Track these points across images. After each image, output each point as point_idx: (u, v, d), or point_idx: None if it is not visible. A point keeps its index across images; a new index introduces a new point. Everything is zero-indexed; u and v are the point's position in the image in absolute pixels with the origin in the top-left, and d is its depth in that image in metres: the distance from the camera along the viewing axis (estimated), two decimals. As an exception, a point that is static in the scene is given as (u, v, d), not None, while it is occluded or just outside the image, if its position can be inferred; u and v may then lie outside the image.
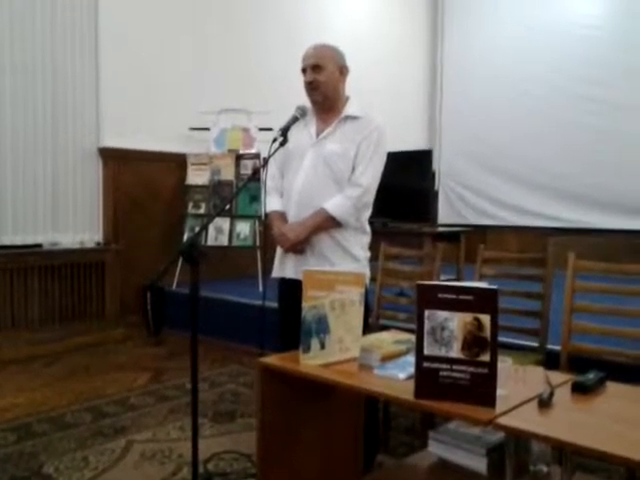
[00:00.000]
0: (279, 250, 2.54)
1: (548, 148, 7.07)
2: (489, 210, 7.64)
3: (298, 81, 2.53)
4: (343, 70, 2.51)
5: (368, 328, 2.29)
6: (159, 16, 5.38)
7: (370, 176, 2.42)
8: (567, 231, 6.76)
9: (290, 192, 2.49)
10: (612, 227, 6.58)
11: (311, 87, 2.44)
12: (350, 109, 2.48)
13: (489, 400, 1.44)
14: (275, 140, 2.39)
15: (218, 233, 5.30)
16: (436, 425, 2.17)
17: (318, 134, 2.48)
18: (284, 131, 2.40)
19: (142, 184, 5.29)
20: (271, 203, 2.56)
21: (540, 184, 7.16)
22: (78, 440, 2.86)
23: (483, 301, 1.46)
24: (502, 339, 1.49)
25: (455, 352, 1.48)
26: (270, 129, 4.80)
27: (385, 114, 2.56)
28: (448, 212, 7.98)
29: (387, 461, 2.57)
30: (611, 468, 2.46)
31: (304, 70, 2.47)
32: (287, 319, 2.46)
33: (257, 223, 5.25)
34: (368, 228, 2.55)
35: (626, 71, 6.52)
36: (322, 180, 2.42)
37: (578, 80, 6.83)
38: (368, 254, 2.54)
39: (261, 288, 4.91)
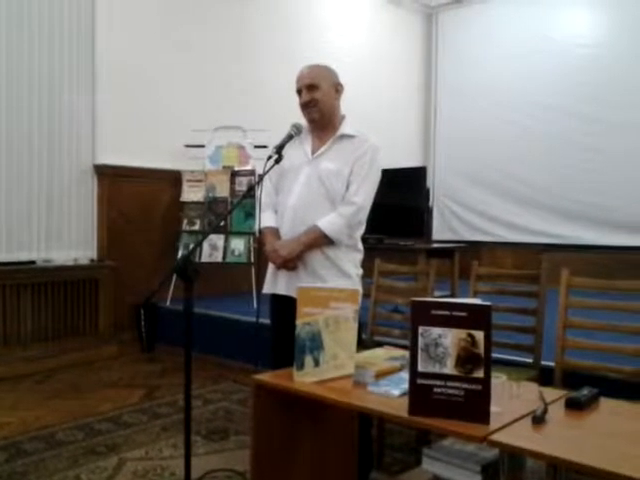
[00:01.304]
0: (271, 266, 2.54)
1: (541, 165, 7.13)
2: (483, 227, 7.68)
3: (293, 99, 2.56)
4: (338, 88, 2.53)
5: (361, 344, 2.29)
6: (155, 34, 5.43)
7: (364, 194, 2.43)
8: (561, 247, 6.80)
9: (284, 209, 2.49)
10: (606, 243, 6.61)
11: (309, 105, 2.46)
12: (346, 128, 2.50)
13: (483, 417, 1.44)
14: (270, 157, 2.40)
15: (213, 249, 5.30)
16: (431, 442, 2.16)
17: (313, 152, 2.50)
18: (279, 148, 2.41)
19: (137, 201, 5.30)
20: (265, 219, 2.57)
21: (534, 201, 7.21)
22: (70, 458, 2.83)
23: (477, 317, 1.47)
24: (496, 355, 1.50)
25: (449, 368, 1.48)
26: (265, 146, 4.83)
27: (379, 132, 2.59)
28: (442, 228, 8.01)
29: (381, 478, 2.55)
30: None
31: (299, 91, 2.50)
32: (279, 335, 2.46)
33: (252, 240, 5.26)
34: (361, 246, 2.56)
35: (620, 89, 6.60)
36: (316, 198, 2.43)
37: (572, 98, 6.91)
38: (360, 271, 2.55)
39: (255, 305, 4.90)
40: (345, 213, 2.41)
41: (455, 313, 1.49)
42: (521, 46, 7.36)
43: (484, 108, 7.63)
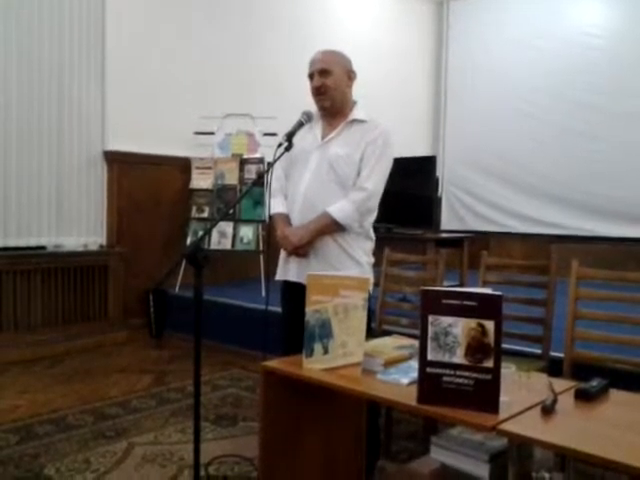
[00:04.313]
0: (282, 253, 2.54)
1: (551, 156, 7.08)
2: (492, 217, 7.65)
3: (303, 86, 2.54)
4: (350, 75, 2.51)
5: (370, 333, 2.29)
6: (165, 21, 5.41)
7: (375, 180, 2.42)
8: (570, 239, 6.76)
9: (294, 195, 2.49)
10: (616, 235, 6.57)
11: (319, 92, 2.45)
12: (357, 113, 2.48)
13: (492, 406, 1.44)
14: (280, 145, 2.39)
15: (221, 237, 5.31)
16: (439, 431, 2.17)
17: (323, 137, 2.49)
18: (289, 136, 2.40)
19: (146, 187, 5.31)
20: (275, 205, 2.56)
21: (543, 191, 7.17)
22: (80, 442, 2.86)
23: (487, 307, 1.47)
24: (505, 346, 1.49)
25: (458, 358, 1.48)
26: (275, 134, 4.82)
27: (389, 120, 2.57)
28: (451, 218, 7.98)
29: (388, 466, 2.56)
30: (612, 476, 2.45)
31: (311, 76, 2.48)
32: (290, 322, 2.46)
33: (260, 228, 5.26)
34: (372, 234, 2.55)
35: (631, 80, 6.53)
36: (326, 183, 2.42)
37: (582, 88, 6.84)
38: (372, 259, 2.54)
39: (264, 292, 4.92)
40: (356, 199, 2.39)
41: (466, 302, 1.48)
42: (533, 35, 7.29)
43: (494, 97, 7.57)
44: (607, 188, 6.67)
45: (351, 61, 2.53)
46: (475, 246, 4.87)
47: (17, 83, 4.53)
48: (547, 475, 1.72)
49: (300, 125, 2.47)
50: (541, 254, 6.12)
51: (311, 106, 2.54)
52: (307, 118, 2.49)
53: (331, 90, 2.44)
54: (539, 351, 2.68)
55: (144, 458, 2.70)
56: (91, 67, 4.96)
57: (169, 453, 2.76)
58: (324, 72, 2.44)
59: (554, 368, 2.50)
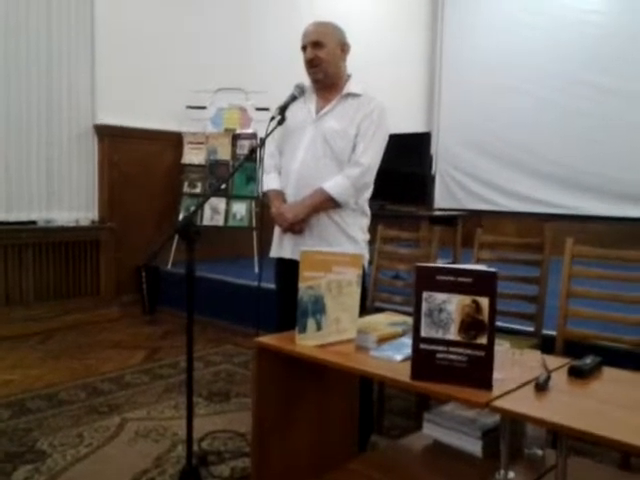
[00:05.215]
0: (277, 230, 2.52)
1: (546, 134, 7.05)
2: (485, 195, 7.63)
3: (296, 60, 2.50)
4: (344, 47, 2.47)
5: (365, 310, 2.28)
6: (157, -8, 5.30)
7: (371, 155, 2.39)
8: (564, 217, 6.77)
9: (288, 171, 2.46)
10: (610, 214, 6.58)
11: (312, 64, 2.41)
12: (351, 87, 2.44)
13: (486, 383, 1.44)
14: (273, 118, 2.36)
15: (214, 213, 5.28)
16: (431, 407, 2.18)
17: (318, 111, 2.45)
18: (282, 109, 2.37)
19: (138, 162, 5.25)
20: (269, 182, 2.53)
21: (537, 170, 7.15)
22: (72, 417, 2.86)
23: (482, 284, 1.46)
24: (497, 323, 1.48)
25: (452, 334, 1.48)
26: (267, 109, 4.76)
27: (383, 95, 2.53)
28: (444, 196, 7.97)
29: (381, 442, 2.58)
30: (603, 452, 2.48)
31: (304, 47, 2.43)
32: (284, 299, 2.45)
33: (253, 204, 5.23)
34: (368, 210, 2.53)
35: (627, 58, 6.48)
36: (321, 159, 2.39)
37: (578, 66, 6.79)
38: (367, 236, 2.52)
39: (257, 269, 4.91)
40: (351, 175, 2.36)
41: (460, 279, 1.47)
42: (529, 12, 7.21)
43: (489, 74, 7.50)
44: (603, 167, 6.65)
45: (345, 33, 2.48)
46: (469, 224, 4.86)
47: (4, 56, 4.44)
48: (539, 452, 1.74)
49: (293, 98, 2.43)
50: (534, 233, 6.08)
51: (305, 78, 2.49)
52: (300, 91, 2.45)
53: (324, 62, 2.39)
54: (531, 329, 2.68)
55: (137, 433, 2.70)
56: (80, 39, 4.86)
57: (162, 428, 2.76)
58: (317, 44, 2.39)
59: (546, 345, 2.51)
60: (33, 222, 4.60)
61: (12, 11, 4.44)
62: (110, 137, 5.06)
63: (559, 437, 1.50)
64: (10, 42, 4.46)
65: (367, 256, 2.49)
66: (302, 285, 1.82)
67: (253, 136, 5.29)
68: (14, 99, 4.51)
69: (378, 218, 3.38)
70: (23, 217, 4.58)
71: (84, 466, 2.39)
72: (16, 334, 4.21)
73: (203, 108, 5.43)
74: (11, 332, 4.21)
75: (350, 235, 2.42)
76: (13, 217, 4.52)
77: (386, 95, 2.58)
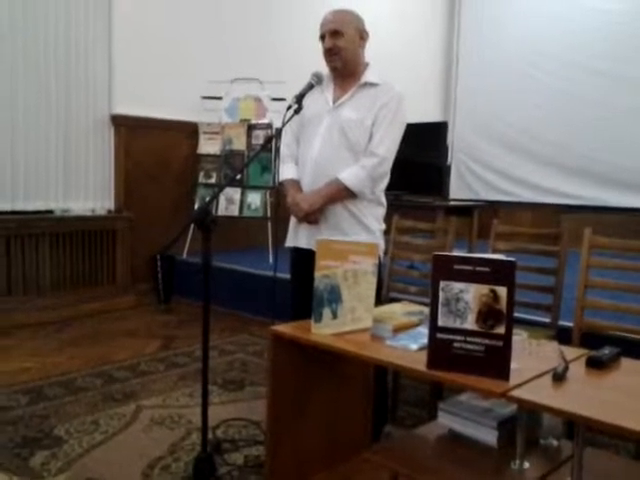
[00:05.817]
0: (293, 219, 2.52)
1: (564, 125, 6.96)
2: (501, 186, 7.57)
3: (312, 50, 2.48)
4: (363, 35, 2.44)
5: (380, 301, 2.27)
6: (172, -19, 5.29)
7: (387, 145, 2.37)
8: (581, 209, 6.69)
9: (305, 160, 2.45)
10: (628, 206, 6.49)
11: (331, 53, 2.38)
12: (369, 76, 2.42)
13: (503, 373, 1.43)
14: (290, 107, 2.34)
15: (229, 203, 5.29)
16: (445, 397, 2.17)
17: (335, 100, 2.43)
18: (299, 98, 2.35)
19: (154, 152, 5.27)
20: (286, 171, 2.52)
21: (554, 161, 7.07)
22: (88, 404, 2.89)
23: (500, 273, 1.44)
24: (514, 314, 1.47)
25: (470, 324, 1.47)
26: (283, 99, 4.75)
27: (400, 84, 2.50)
28: (459, 187, 7.91)
29: (395, 432, 2.58)
30: (618, 444, 2.46)
31: (322, 37, 2.41)
32: (299, 289, 2.45)
33: (268, 194, 5.23)
34: (384, 200, 2.51)
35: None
36: (338, 148, 2.37)
37: (597, 57, 6.69)
38: (383, 226, 2.51)
39: (272, 259, 4.91)
40: (368, 165, 2.35)
41: (478, 268, 1.46)
42: (548, 1, 7.11)
43: (505, 64, 7.43)
44: (619, 158, 6.56)
45: (363, 20, 2.46)
46: (484, 215, 4.82)
47: (23, 46, 4.45)
48: (555, 442, 1.73)
49: (310, 87, 2.42)
50: (551, 224, 6.07)
51: (323, 66, 2.47)
52: (317, 80, 2.44)
53: (343, 51, 2.37)
54: (547, 320, 2.66)
55: (152, 420, 2.73)
56: (98, 30, 4.87)
57: (177, 416, 2.78)
58: (335, 33, 2.37)
59: (563, 337, 2.48)
60: (50, 211, 4.64)
61: (30, 2, 4.46)
62: (126, 127, 5.07)
63: (576, 427, 1.49)
64: (28, 33, 4.47)
65: (382, 246, 2.48)
66: (318, 274, 1.82)
67: (268, 126, 5.28)
68: (32, 90, 4.53)
69: (393, 208, 3.36)
70: (40, 207, 4.62)
71: (100, 452, 2.42)
72: (33, 322, 4.26)
73: (219, 98, 5.43)
74: (28, 320, 4.26)
75: (366, 225, 2.41)
76: (31, 206, 4.56)
77: (403, 84, 2.55)
